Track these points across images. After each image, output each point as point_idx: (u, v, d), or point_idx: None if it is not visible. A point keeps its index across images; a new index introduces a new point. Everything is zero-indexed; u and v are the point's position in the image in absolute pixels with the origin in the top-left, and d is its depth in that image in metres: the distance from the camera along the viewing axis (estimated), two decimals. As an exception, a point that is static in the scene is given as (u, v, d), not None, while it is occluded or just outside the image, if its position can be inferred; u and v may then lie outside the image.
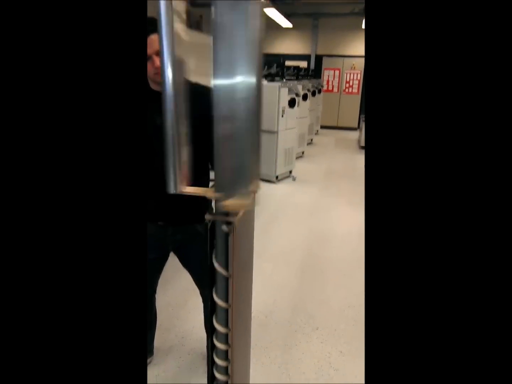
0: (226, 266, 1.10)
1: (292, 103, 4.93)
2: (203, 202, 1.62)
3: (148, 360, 1.96)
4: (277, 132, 4.78)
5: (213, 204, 0.96)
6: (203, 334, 1.97)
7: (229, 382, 1.21)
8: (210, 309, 1.15)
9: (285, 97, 4.85)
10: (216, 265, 1.08)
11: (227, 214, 1.03)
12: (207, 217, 1.08)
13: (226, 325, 1.15)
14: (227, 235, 1.06)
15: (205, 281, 1.36)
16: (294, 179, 5.21)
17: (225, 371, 1.21)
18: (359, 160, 6.67)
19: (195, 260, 1.68)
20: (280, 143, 4.86)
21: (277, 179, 5.07)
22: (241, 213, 1.08)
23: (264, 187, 4.76)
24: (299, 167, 5.61)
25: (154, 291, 1.85)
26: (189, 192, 0.97)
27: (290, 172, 5.35)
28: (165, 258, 1.73)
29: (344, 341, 2.19)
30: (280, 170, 5.06)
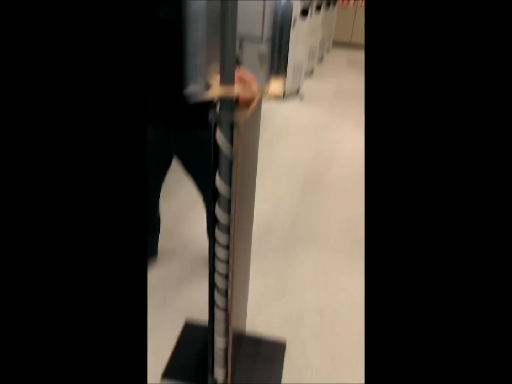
0: (229, 182, 1.08)
1: (304, 12, 4.57)
2: (206, 105, 1.56)
3: (152, 262, 2.05)
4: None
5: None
6: (206, 240, 2.04)
7: (229, 290, 1.27)
8: (212, 217, 1.16)
9: (297, 6, 4.48)
10: (219, 183, 1.06)
11: (232, 114, 0.99)
12: (211, 116, 1.03)
13: (227, 232, 1.17)
14: (231, 138, 1.01)
15: (208, 186, 1.35)
16: (301, 97, 5.04)
17: (226, 276, 1.26)
18: (370, 81, 6.37)
19: (198, 168, 1.66)
20: (288, 58, 4.61)
21: (284, 96, 4.90)
22: (247, 113, 1.03)
23: (269, 105, 4.62)
24: (307, 86, 5.39)
25: (158, 197, 1.87)
26: (213, 95, 0.91)
27: (298, 90, 5.15)
28: (167, 164, 1.71)
29: (341, 255, 2.28)
30: (288, 87, 4.86)
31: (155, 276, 2.00)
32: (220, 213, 1.13)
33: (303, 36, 4.82)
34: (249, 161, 1.20)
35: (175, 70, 1.11)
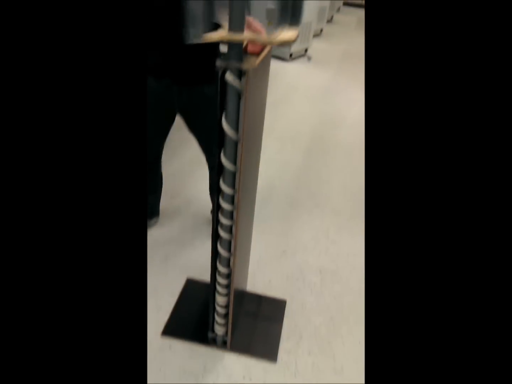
0: (236, 128, 1.04)
1: None
2: (212, 59, 1.50)
3: (154, 221, 2.04)
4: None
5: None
6: (208, 200, 2.02)
7: (232, 241, 1.26)
8: (217, 169, 1.13)
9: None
10: (225, 126, 1.02)
11: (241, 61, 0.93)
12: (219, 64, 0.97)
13: (233, 186, 1.14)
14: (238, 88, 0.96)
15: (212, 146, 1.31)
16: (309, 59, 4.88)
17: (229, 230, 1.25)
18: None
19: (202, 124, 1.62)
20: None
21: (291, 57, 4.74)
22: (256, 62, 0.97)
23: (275, 65, 4.49)
24: (315, 47, 5.21)
25: (160, 154, 1.84)
26: (214, 39, 0.84)
27: (306, 50, 4.98)
28: (170, 120, 1.66)
29: (343, 218, 2.27)
30: (295, 47, 4.70)
31: (157, 235, 2.00)
32: (225, 171, 1.10)
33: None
34: (257, 115, 1.16)
35: (179, 20, 1.05)
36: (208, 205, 2.06)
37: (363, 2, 8.78)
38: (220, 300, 1.37)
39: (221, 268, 1.29)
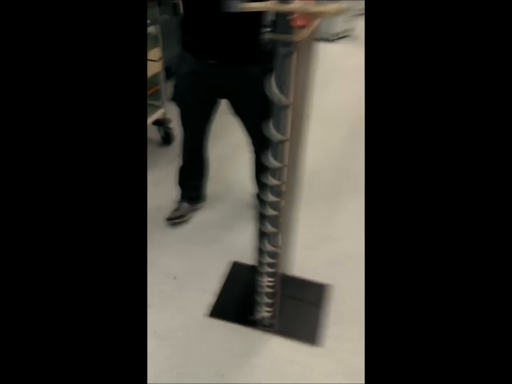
0: (285, 94, 1.00)
1: None
2: (257, 38, 1.47)
3: (200, 205, 2.08)
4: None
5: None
6: (250, 186, 2.02)
7: (279, 219, 1.24)
8: (262, 148, 1.10)
9: None
10: (273, 91, 0.98)
11: (289, 33, 0.90)
12: (268, 36, 0.95)
13: (281, 159, 1.11)
14: (288, 59, 0.93)
15: (257, 129, 1.30)
16: (354, 38, 4.71)
17: (276, 207, 1.22)
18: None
19: (247, 105, 1.60)
20: None
21: (336, 37, 4.60)
22: (307, 33, 0.94)
23: (320, 46, 4.36)
24: (361, 26, 5.01)
25: (205, 139, 1.85)
26: (259, 9, 0.81)
27: (350, 30, 4.80)
28: (215, 103, 1.66)
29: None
30: (340, 26, 4.55)
31: (201, 219, 2.04)
32: (272, 142, 1.06)
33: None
34: (305, 89, 1.11)
35: None
36: (250, 190, 2.06)
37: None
38: (266, 283, 1.38)
39: (268, 247, 1.28)
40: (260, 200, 1.20)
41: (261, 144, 1.09)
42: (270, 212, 1.19)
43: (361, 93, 3.52)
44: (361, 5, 5.39)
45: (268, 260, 1.31)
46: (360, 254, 1.86)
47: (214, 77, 1.51)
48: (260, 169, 1.15)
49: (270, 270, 1.34)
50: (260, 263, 1.34)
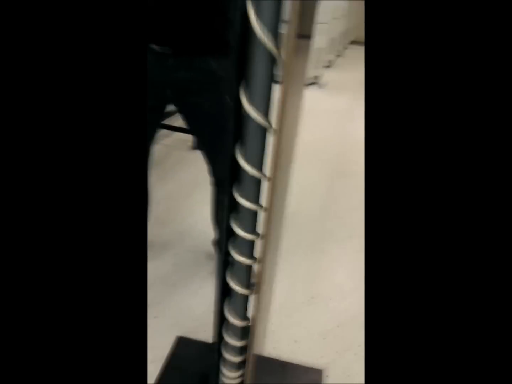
0: (264, 117, 0.58)
1: None
2: (220, 23, 1.06)
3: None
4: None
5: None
6: (208, 230, 1.51)
7: (255, 289, 0.75)
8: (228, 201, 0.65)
9: (321, -19, 4.01)
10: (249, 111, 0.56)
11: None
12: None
13: (252, 221, 0.66)
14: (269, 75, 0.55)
15: (219, 150, 0.90)
16: (322, 85, 4.54)
17: (247, 270, 0.75)
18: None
19: (206, 115, 1.14)
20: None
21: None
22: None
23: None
24: (328, 76, 4.90)
25: (146, 159, 1.35)
26: None
27: (318, 78, 4.65)
28: (161, 110, 1.18)
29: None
30: (308, 73, 4.36)
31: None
32: (244, 191, 0.63)
33: (325, 18, 4.34)
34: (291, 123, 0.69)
35: None
36: (208, 236, 1.55)
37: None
38: (230, 366, 0.84)
39: (233, 316, 0.77)
40: (223, 249, 0.72)
41: (225, 173, 0.64)
42: (239, 264, 0.70)
43: (337, 135, 3.25)
44: (328, 57, 5.38)
45: (234, 335, 0.79)
46: (357, 320, 1.35)
47: (161, 72, 1.05)
48: (224, 207, 0.69)
49: (236, 349, 0.82)
50: (222, 339, 0.82)
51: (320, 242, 1.78)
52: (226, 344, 0.81)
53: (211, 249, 1.56)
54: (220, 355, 0.86)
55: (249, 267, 0.72)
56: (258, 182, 0.63)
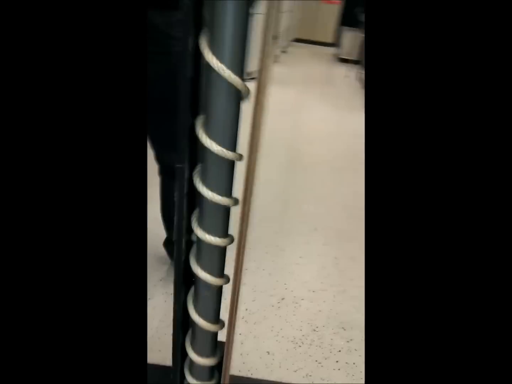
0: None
1: None
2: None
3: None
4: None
5: None
6: (158, 229, 1.29)
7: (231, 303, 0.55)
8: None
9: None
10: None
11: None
12: None
13: (225, 218, 0.47)
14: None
15: (167, 124, 0.73)
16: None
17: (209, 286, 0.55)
18: (339, 70, 5.94)
19: (157, 92, 0.94)
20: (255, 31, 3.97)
21: (249, 77, 4.25)
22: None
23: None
24: (274, 70, 4.79)
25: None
26: None
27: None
28: None
29: (354, 245, 1.60)
30: (254, 66, 4.22)
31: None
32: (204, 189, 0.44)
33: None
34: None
35: None
36: (158, 235, 1.32)
37: (313, 38, 8.79)
38: None
39: (199, 332, 0.57)
40: (177, 250, 0.52)
41: (177, 156, 0.46)
42: (204, 284, 0.51)
43: (287, 126, 3.13)
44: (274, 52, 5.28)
45: (202, 352, 0.59)
46: (334, 322, 1.20)
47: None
48: (180, 201, 0.50)
49: (205, 371, 0.62)
50: (184, 360, 0.62)
51: (283, 237, 1.61)
52: (192, 365, 0.62)
53: (162, 251, 1.34)
54: (182, 380, 0.65)
55: (218, 287, 0.52)
56: (228, 166, 0.44)
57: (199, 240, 0.48)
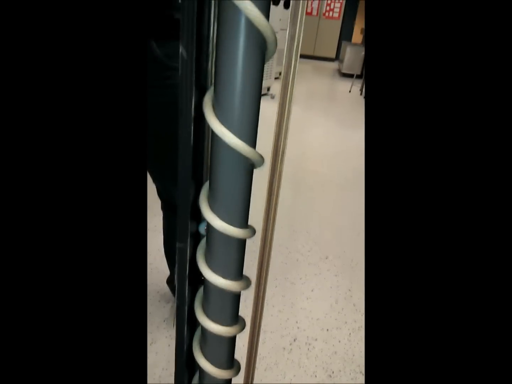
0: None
1: (287, 3, 3.98)
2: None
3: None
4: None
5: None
6: (161, 266, 1.22)
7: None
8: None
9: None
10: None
11: None
12: None
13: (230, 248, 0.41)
14: None
15: (168, 158, 0.69)
16: (273, 97, 4.38)
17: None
18: (341, 85, 5.91)
19: (156, 126, 0.87)
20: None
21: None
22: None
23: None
24: (276, 88, 4.76)
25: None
26: None
27: (268, 89, 4.50)
28: None
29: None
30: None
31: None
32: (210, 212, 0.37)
33: (275, 27, 4.21)
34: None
35: None
36: (163, 271, 1.25)
37: (314, 53, 8.82)
38: None
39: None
40: (179, 289, 0.45)
41: (174, 192, 0.40)
42: (211, 337, 0.43)
43: (296, 144, 3.07)
44: (278, 69, 5.27)
45: None
46: (352, 363, 1.11)
47: None
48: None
49: None
50: None
51: (292, 268, 1.53)
52: None
53: (165, 287, 1.26)
54: None
55: (231, 340, 0.45)
56: (237, 245, 0.37)
57: (203, 328, 0.41)
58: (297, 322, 1.25)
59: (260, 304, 0.42)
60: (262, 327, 1.21)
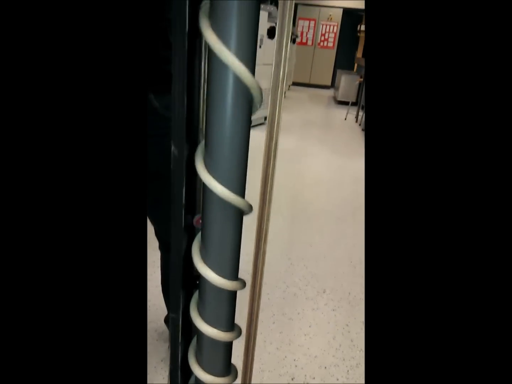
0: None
1: (272, 32, 4.10)
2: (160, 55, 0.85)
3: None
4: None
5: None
6: (159, 303, 1.22)
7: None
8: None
9: (265, 24, 4.01)
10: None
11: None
12: None
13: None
14: None
15: (164, 205, 0.70)
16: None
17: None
18: (338, 113, 6.03)
19: (154, 171, 0.90)
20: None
21: (252, 124, 4.29)
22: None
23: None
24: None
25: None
26: None
27: (265, 118, 4.58)
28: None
29: (363, 308, 1.52)
30: (256, 113, 4.27)
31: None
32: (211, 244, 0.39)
33: (270, 59, 4.32)
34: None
35: None
36: (161, 308, 1.25)
37: (310, 81, 9.02)
38: None
39: None
40: (174, 326, 0.46)
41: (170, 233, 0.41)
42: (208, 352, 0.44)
43: (292, 175, 3.11)
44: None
45: None
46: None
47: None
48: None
49: None
50: None
51: (290, 303, 1.53)
52: None
53: (163, 325, 1.26)
54: None
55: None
56: (229, 296, 0.39)
57: (197, 379, 0.42)
58: (294, 360, 1.24)
59: (250, 358, 0.43)
60: (260, 366, 1.21)
